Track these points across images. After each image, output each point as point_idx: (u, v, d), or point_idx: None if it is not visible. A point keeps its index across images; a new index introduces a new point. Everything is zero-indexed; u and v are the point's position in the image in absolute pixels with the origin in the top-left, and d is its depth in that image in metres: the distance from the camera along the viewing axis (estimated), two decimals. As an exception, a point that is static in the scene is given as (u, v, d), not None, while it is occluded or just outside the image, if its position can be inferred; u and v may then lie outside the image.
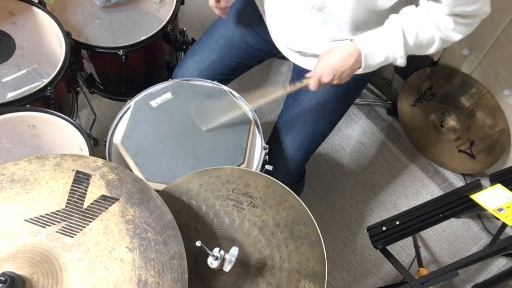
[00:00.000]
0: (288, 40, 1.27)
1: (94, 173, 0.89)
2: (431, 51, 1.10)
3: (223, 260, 0.85)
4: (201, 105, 1.22)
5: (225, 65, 1.38)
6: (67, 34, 1.30)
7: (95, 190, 0.87)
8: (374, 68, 1.12)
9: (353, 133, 2.01)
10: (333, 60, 1.09)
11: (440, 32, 1.05)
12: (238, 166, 1.13)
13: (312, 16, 1.15)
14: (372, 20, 1.10)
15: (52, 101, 1.23)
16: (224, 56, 1.37)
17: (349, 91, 1.33)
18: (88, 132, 1.16)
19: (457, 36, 1.06)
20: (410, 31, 1.05)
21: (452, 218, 1.73)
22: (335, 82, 1.12)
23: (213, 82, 1.30)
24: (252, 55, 1.41)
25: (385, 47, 1.07)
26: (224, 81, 1.35)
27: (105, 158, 1.14)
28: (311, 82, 1.12)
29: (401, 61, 1.09)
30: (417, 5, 1.08)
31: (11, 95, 1.36)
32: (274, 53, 1.41)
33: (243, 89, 1.33)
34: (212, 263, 0.85)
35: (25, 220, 0.83)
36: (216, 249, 0.85)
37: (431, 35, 1.06)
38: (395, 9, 1.09)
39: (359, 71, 1.11)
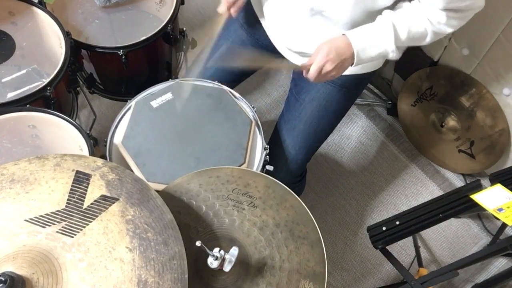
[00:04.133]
0: (288, 41, 1.27)
1: (94, 173, 0.89)
2: (423, 43, 1.11)
3: (223, 260, 0.85)
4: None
5: (228, 73, 1.39)
6: (67, 34, 1.30)
7: (95, 190, 0.87)
8: (366, 62, 1.13)
9: (353, 133, 2.01)
10: (336, 47, 1.07)
11: (433, 26, 1.06)
12: (239, 166, 1.13)
13: (311, 18, 1.16)
14: (371, 19, 1.10)
15: (52, 101, 1.23)
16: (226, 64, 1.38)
17: (349, 91, 1.33)
18: (88, 132, 1.16)
19: (449, 29, 1.07)
20: (402, 25, 1.06)
21: (452, 218, 1.73)
22: (334, 72, 1.09)
23: (213, 82, 1.30)
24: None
25: (376, 43, 1.08)
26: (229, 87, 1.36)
27: (105, 158, 1.14)
28: (313, 68, 1.08)
29: (393, 55, 1.10)
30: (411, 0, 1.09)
31: (11, 95, 1.36)
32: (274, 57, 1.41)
33: (243, 87, 1.33)
34: (212, 263, 0.85)
35: (25, 220, 0.83)
36: (216, 249, 0.85)
37: (424, 28, 1.07)
38: (393, 7, 1.10)
39: (352, 66, 1.12)
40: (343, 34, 1.09)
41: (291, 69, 1.14)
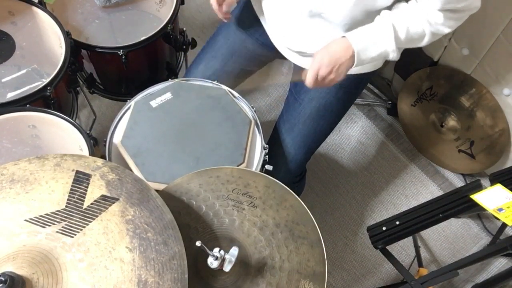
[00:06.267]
0: (287, 41, 1.27)
1: (94, 173, 0.89)
2: (421, 44, 1.11)
3: (223, 260, 0.85)
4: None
5: (228, 72, 1.39)
6: (67, 34, 1.30)
7: (95, 190, 0.87)
8: (367, 63, 1.12)
9: (353, 133, 2.01)
10: (330, 52, 1.08)
11: (431, 26, 1.07)
12: (238, 166, 1.13)
13: (310, 19, 1.16)
14: (370, 20, 1.10)
15: (52, 101, 1.23)
16: (226, 64, 1.39)
17: (349, 91, 1.33)
18: (88, 132, 1.16)
19: (446, 30, 1.07)
20: (401, 26, 1.06)
21: (452, 218, 1.73)
22: (332, 76, 1.09)
23: (213, 82, 1.30)
24: (253, 60, 1.42)
25: (377, 43, 1.08)
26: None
27: (105, 158, 1.14)
28: (308, 75, 1.10)
29: (393, 55, 1.10)
30: (408, 0, 1.09)
31: (11, 95, 1.36)
32: (274, 57, 1.41)
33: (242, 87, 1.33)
34: (212, 263, 0.85)
35: (25, 220, 0.83)
36: (216, 249, 0.85)
37: (422, 29, 1.07)
38: (391, 7, 1.10)
39: (353, 67, 1.12)
40: (343, 36, 1.09)
41: (295, 81, 1.16)
